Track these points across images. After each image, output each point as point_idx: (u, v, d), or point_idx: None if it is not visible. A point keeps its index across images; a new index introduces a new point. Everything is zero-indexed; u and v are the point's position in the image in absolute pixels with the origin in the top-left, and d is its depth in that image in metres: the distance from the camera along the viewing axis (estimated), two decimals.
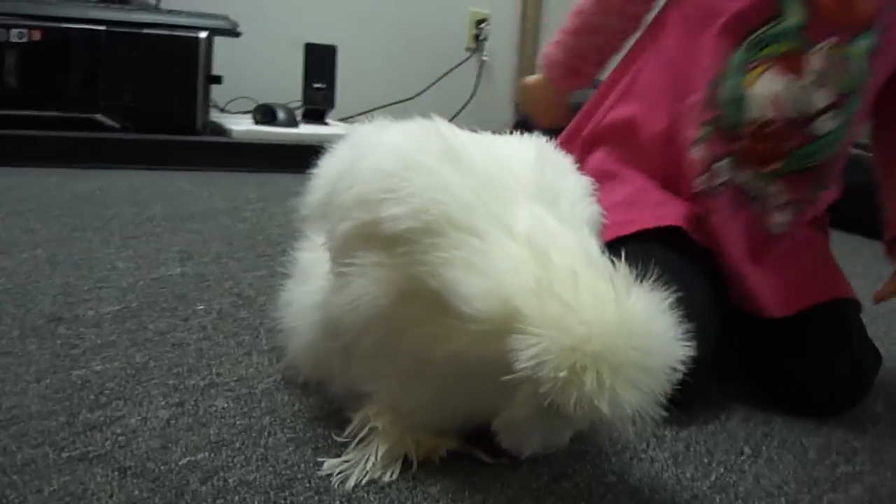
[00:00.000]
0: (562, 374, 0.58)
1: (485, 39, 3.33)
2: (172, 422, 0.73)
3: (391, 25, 3.19)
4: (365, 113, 2.98)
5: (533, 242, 0.65)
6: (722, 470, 0.76)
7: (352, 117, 2.93)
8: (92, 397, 0.76)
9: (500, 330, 0.61)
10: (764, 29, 0.84)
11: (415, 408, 0.70)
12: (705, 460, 0.78)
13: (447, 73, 3.25)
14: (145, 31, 2.01)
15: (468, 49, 3.34)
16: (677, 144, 0.89)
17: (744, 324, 0.93)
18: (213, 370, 0.85)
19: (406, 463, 0.69)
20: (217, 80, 2.13)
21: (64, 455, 0.66)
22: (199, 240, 1.34)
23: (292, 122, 2.25)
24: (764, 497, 0.72)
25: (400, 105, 3.09)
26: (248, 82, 2.62)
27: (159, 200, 1.60)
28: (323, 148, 0.85)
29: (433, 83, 3.19)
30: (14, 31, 1.95)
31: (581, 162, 0.90)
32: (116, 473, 0.64)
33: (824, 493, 0.74)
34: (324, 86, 2.42)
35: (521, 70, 3.41)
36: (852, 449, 0.85)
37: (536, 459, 0.72)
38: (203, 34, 2.06)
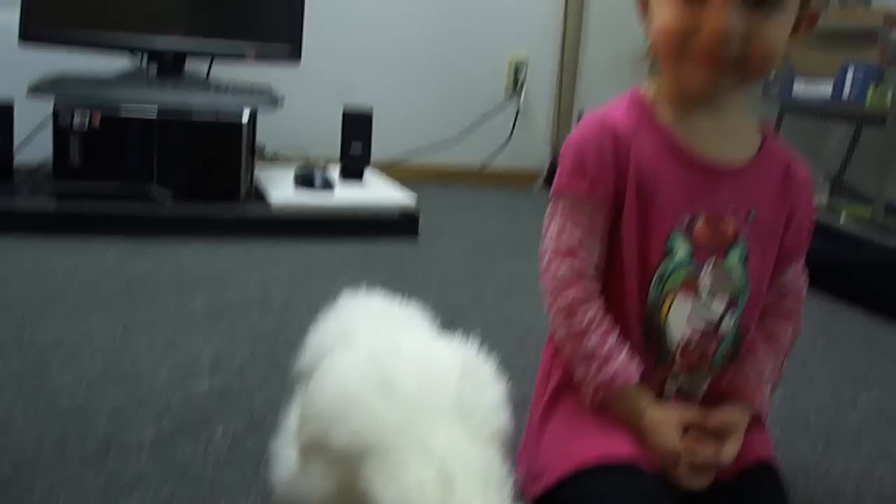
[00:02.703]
0: None
1: (523, 84, 3.48)
2: None
3: (433, 70, 3.37)
4: (407, 155, 3.20)
5: (444, 465, 0.85)
6: None
7: (396, 162, 3.15)
8: None
9: None
10: (662, 266, 1.02)
11: None
12: None
13: (486, 117, 3.43)
14: (193, 118, 2.28)
15: (506, 92, 3.50)
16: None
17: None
18: None
19: None
20: (259, 152, 2.39)
21: None
22: (228, 343, 1.59)
23: (328, 187, 2.49)
24: None
25: (442, 146, 3.30)
26: (290, 134, 2.88)
27: (200, 289, 1.86)
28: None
29: (471, 126, 3.38)
30: (77, 117, 2.24)
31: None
32: None
33: None
34: (360, 148, 2.64)
35: (558, 113, 3.56)
36: None
37: None
38: (246, 116, 2.31)
